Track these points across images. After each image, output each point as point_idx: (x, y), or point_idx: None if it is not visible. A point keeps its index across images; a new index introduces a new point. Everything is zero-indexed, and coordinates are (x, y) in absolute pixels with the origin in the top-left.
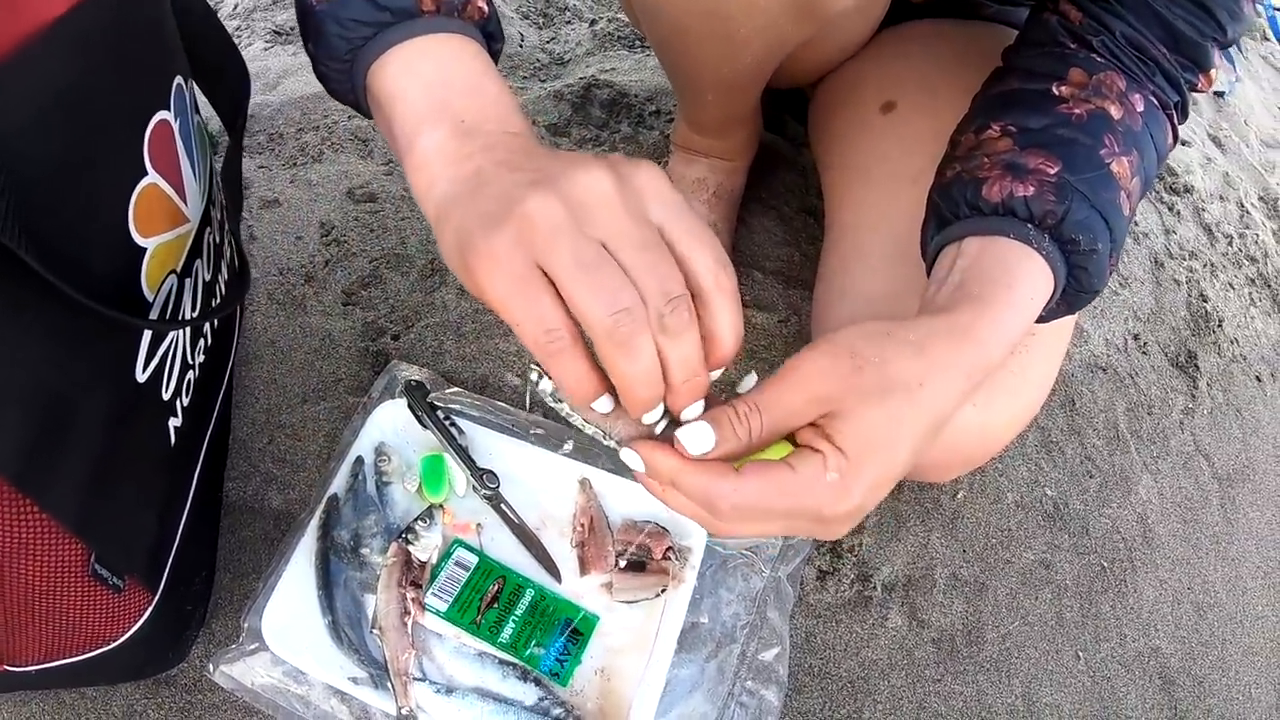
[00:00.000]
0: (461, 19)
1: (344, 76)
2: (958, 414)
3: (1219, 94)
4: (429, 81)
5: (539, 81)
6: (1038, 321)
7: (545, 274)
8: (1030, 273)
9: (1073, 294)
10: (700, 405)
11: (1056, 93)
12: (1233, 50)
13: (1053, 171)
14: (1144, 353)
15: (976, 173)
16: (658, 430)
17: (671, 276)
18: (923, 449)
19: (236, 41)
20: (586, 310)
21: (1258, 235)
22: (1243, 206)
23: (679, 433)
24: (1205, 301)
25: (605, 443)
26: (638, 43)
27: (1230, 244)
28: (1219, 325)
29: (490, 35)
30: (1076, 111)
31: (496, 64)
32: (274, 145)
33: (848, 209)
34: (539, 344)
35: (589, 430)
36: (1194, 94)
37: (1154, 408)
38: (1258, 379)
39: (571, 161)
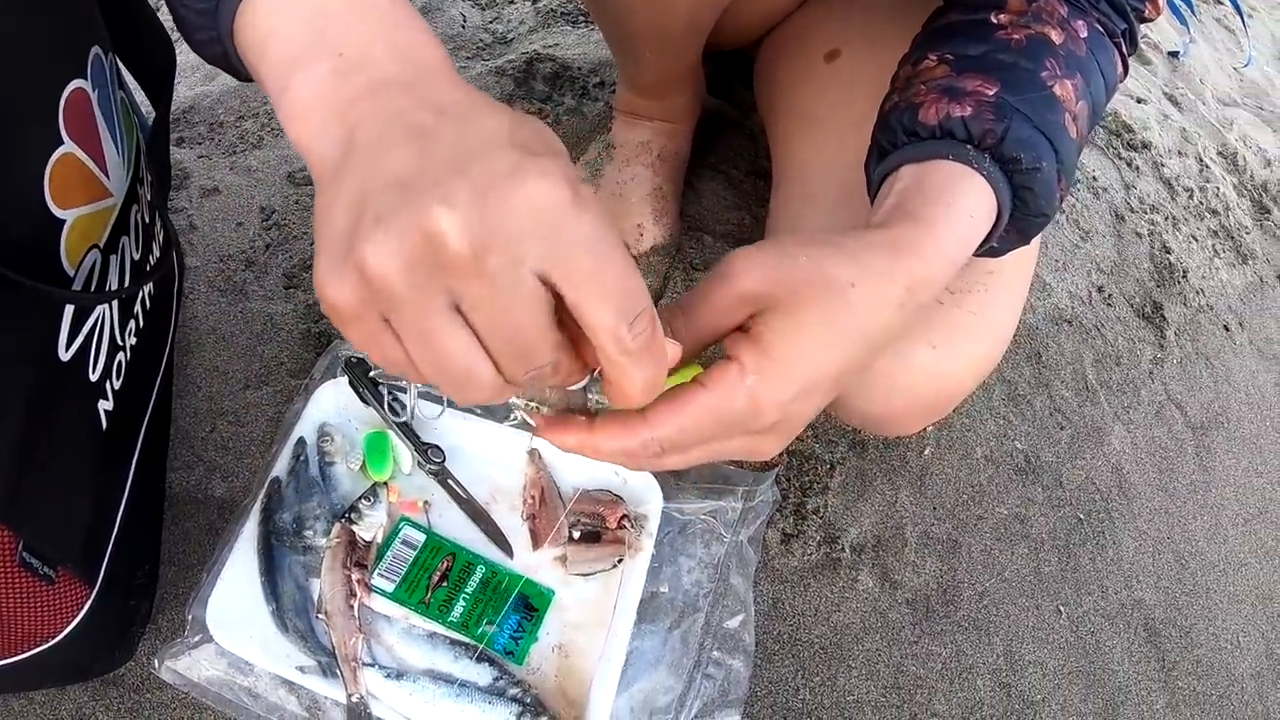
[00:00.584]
0: None
1: (208, 21)
2: (917, 356)
3: (1173, 54)
4: (304, 13)
5: (481, 60)
6: (992, 254)
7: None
8: (970, 191)
9: (1021, 218)
10: None
11: (995, 20)
12: (1185, 13)
13: (991, 92)
14: (1109, 304)
15: (913, 99)
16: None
17: (535, 348)
18: (855, 363)
19: (174, 33)
20: (434, 384)
21: (1218, 189)
22: (1201, 161)
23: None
24: (1169, 253)
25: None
26: (581, 18)
27: (1191, 197)
28: (1183, 276)
29: None
30: (1015, 37)
31: None
32: (214, 134)
33: (794, 157)
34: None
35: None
36: (1143, 23)
37: (1122, 359)
38: (1225, 328)
39: (450, 161)
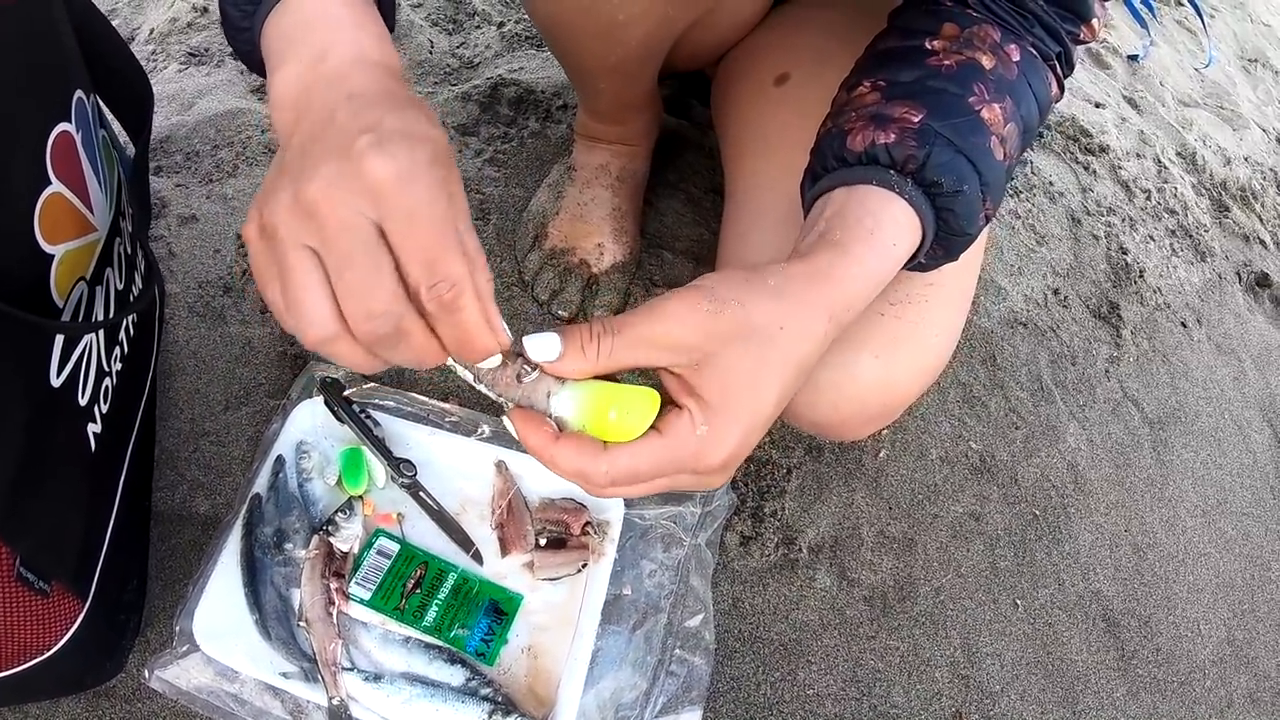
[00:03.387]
0: None
1: (253, 48)
2: (862, 366)
3: (1132, 57)
4: (289, 26)
5: (449, 85)
6: (920, 269)
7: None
8: (892, 216)
9: (945, 237)
10: (554, 341)
11: (929, 46)
12: (1145, 15)
13: (916, 119)
14: (1064, 306)
15: (844, 126)
16: (528, 378)
17: (374, 290)
18: (790, 391)
19: (151, 66)
20: (283, 321)
21: (1176, 189)
22: (1160, 162)
23: (525, 339)
24: (1125, 254)
25: (480, 388)
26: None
27: (1149, 198)
28: (1140, 276)
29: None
30: (946, 63)
31: (391, 18)
32: (190, 164)
33: (744, 178)
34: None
35: (480, 389)
36: (1079, 45)
37: (1077, 358)
38: (1183, 325)
39: (330, 140)
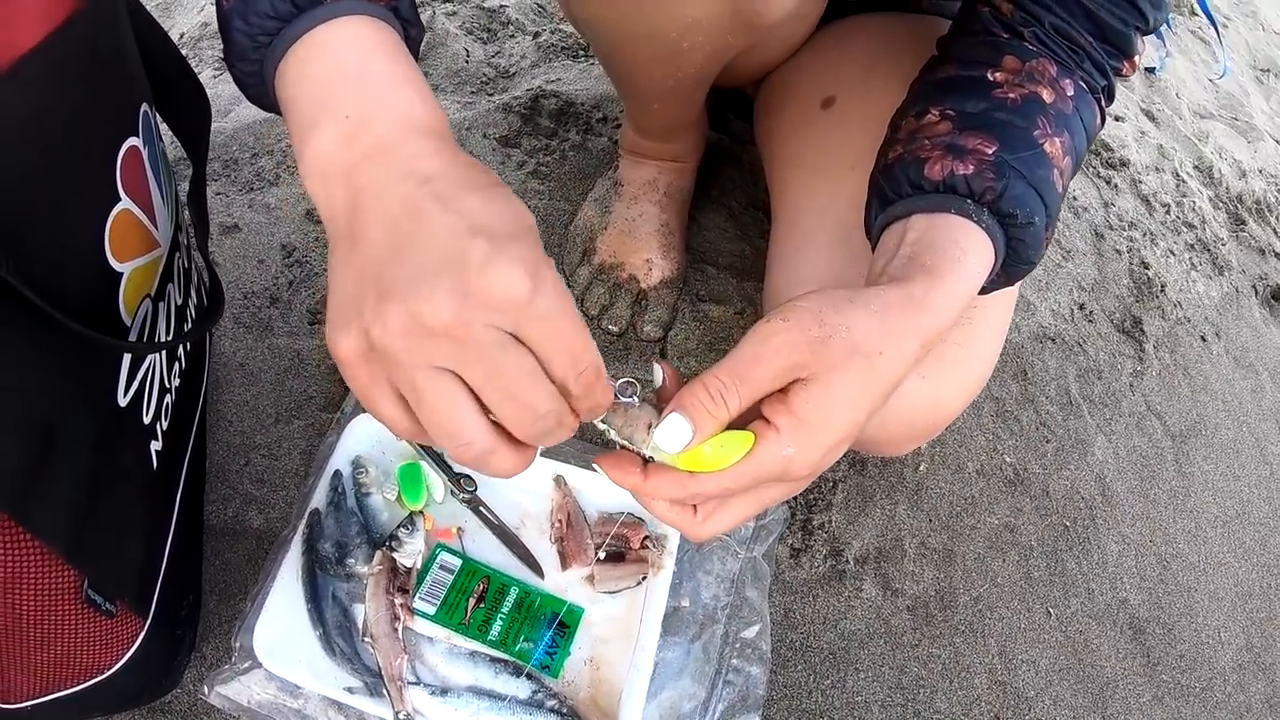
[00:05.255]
0: (368, 0)
1: (258, 81)
2: (908, 386)
3: (1150, 70)
4: (321, 76)
5: (486, 95)
6: (980, 292)
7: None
8: (975, 245)
9: (1012, 265)
10: (683, 427)
11: (991, 78)
12: (1162, 27)
13: (990, 151)
14: (1090, 321)
15: (918, 153)
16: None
17: (533, 393)
18: (878, 410)
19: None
20: (434, 438)
21: (1194, 203)
22: (1178, 176)
23: (656, 435)
24: (1147, 269)
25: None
26: (581, 52)
27: (1168, 212)
28: (1161, 290)
29: (406, 20)
30: (1011, 96)
31: (417, 51)
32: (229, 171)
33: (793, 199)
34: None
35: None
36: (1120, 79)
37: (1104, 372)
38: (1203, 339)
39: (430, 252)
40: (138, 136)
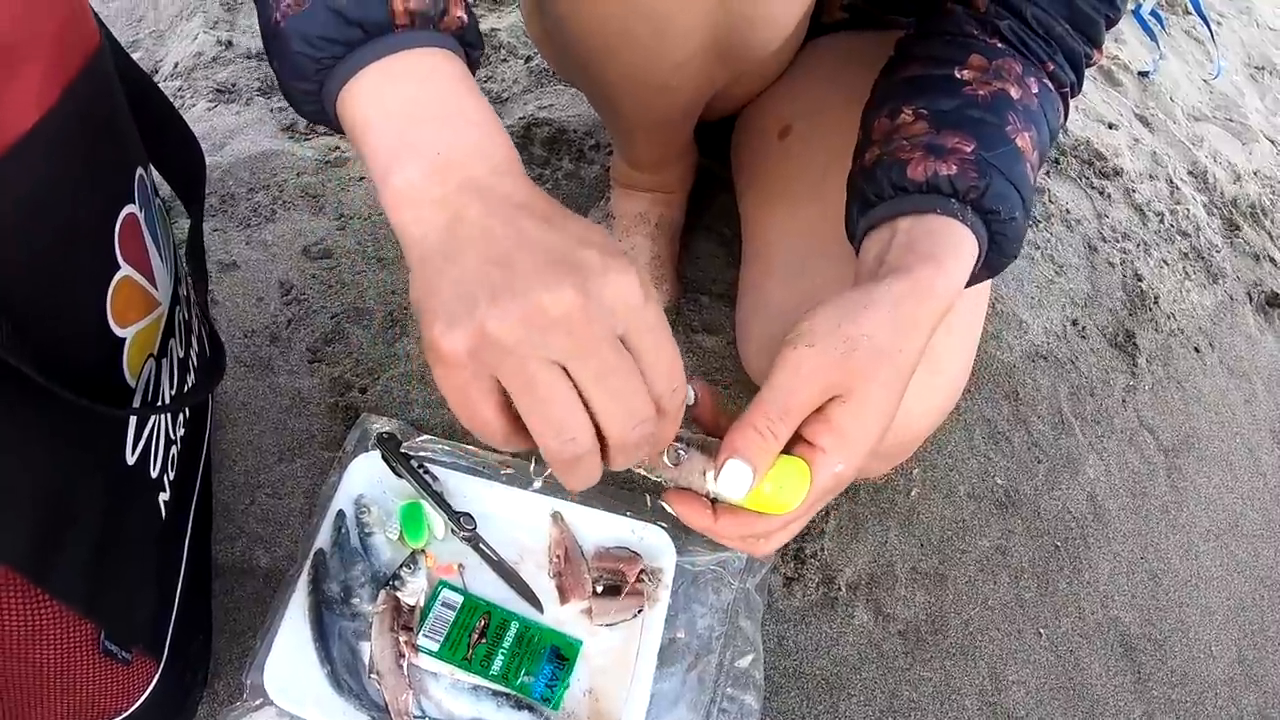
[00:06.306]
0: (438, 30)
1: (313, 99)
2: None
3: (1143, 74)
4: (400, 108)
5: None
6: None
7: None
8: (964, 240)
9: (994, 259)
10: (745, 472)
11: (960, 76)
12: (1155, 28)
13: (969, 149)
14: (1083, 337)
15: (898, 154)
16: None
17: (637, 397)
18: (901, 400)
19: (179, 103)
20: (537, 435)
21: (1188, 210)
22: (1172, 183)
23: (720, 485)
24: (1140, 280)
25: (639, 471)
26: None
27: (1162, 221)
28: (1155, 302)
29: (469, 44)
30: (981, 93)
31: (476, 72)
32: (226, 207)
33: (757, 231)
34: (477, 434)
35: (640, 472)
36: (1089, 66)
37: (1096, 389)
38: (1196, 350)
39: (543, 257)
40: (134, 203)
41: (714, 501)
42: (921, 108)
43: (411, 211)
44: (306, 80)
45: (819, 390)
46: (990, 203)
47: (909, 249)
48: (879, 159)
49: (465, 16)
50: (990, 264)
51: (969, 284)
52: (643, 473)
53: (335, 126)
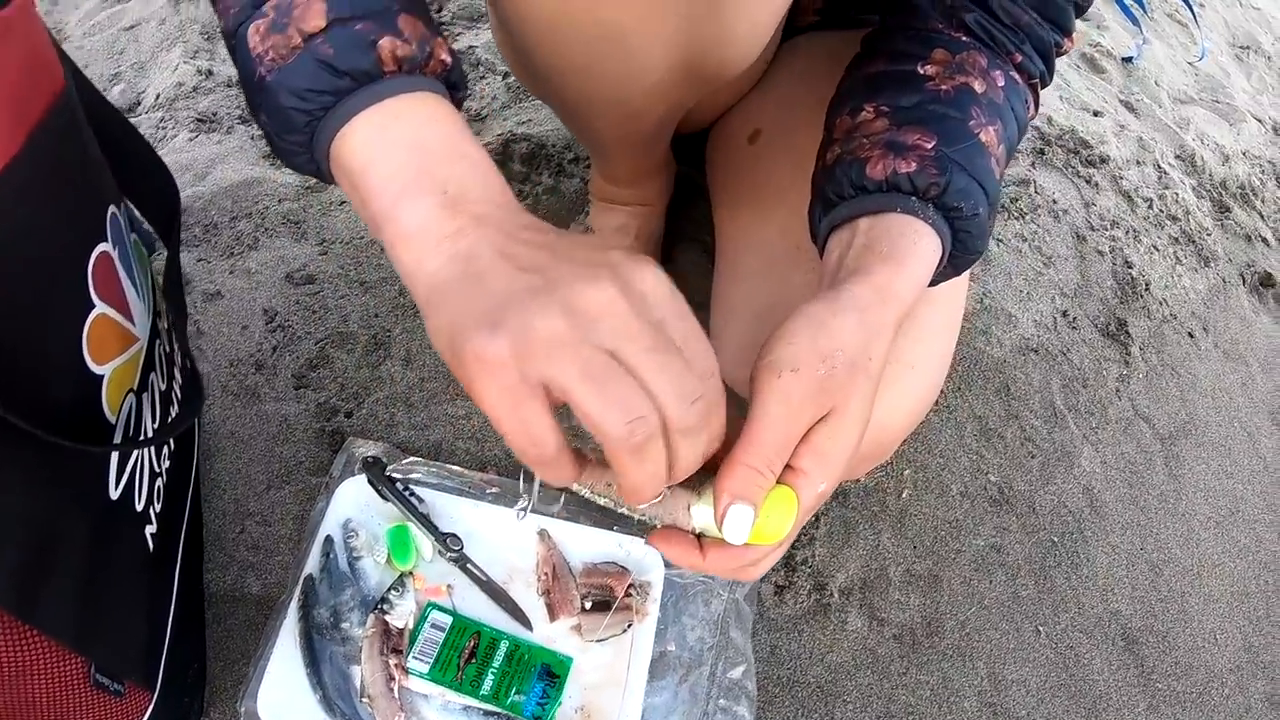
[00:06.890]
0: (425, 74)
1: (302, 150)
2: None
3: (1127, 59)
4: (402, 148)
5: None
6: (930, 284)
7: (544, 386)
8: (924, 239)
9: (959, 256)
10: (747, 514)
11: (922, 71)
12: (1137, 13)
13: (930, 146)
14: (1074, 328)
15: (858, 153)
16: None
17: (687, 375)
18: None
19: (162, 133)
20: (601, 420)
21: (1177, 194)
22: (1160, 168)
23: (726, 530)
24: (1130, 268)
25: (620, 511)
26: None
27: (1150, 207)
28: (1146, 289)
29: (454, 85)
30: (944, 88)
31: (460, 111)
32: (209, 236)
33: (728, 238)
34: (526, 453)
35: (622, 511)
36: (1059, 56)
37: (1089, 380)
38: (1190, 335)
39: (572, 262)
40: (107, 241)
41: (699, 536)
42: (883, 105)
43: (423, 248)
44: (297, 132)
45: (810, 418)
46: (952, 199)
47: (868, 249)
48: (839, 158)
49: (449, 59)
50: (955, 262)
51: (935, 281)
52: (624, 511)
53: (325, 176)
